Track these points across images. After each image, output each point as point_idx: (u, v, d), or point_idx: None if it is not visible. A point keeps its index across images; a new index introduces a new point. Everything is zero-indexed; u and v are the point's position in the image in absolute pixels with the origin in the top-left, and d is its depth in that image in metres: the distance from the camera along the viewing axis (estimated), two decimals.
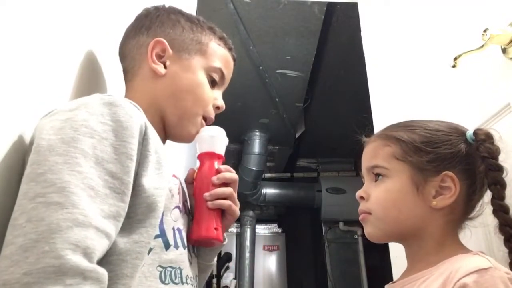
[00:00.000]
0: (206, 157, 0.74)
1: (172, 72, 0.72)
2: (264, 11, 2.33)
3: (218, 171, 0.72)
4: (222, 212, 0.72)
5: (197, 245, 0.73)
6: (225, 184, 0.72)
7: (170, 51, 0.72)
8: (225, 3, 2.25)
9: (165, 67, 0.72)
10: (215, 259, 0.79)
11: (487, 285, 0.52)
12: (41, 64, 0.60)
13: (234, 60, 0.81)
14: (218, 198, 0.70)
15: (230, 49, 0.79)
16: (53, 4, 0.64)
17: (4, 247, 0.44)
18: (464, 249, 0.65)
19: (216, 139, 0.75)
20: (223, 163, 0.75)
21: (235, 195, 0.73)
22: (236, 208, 0.72)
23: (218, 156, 0.74)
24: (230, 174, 0.73)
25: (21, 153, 0.54)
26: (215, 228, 0.69)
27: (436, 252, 0.64)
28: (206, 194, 0.70)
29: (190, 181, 0.75)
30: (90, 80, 0.77)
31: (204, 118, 0.75)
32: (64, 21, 0.68)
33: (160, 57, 0.72)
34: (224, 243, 0.73)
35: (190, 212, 0.74)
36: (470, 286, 0.52)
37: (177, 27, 0.75)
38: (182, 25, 0.75)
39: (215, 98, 0.76)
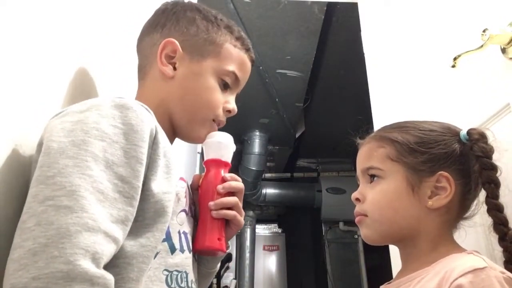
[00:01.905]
0: (212, 164, 0.72)
1: (181, 75, 0.70)
2: (264, 11, 2.33)
3: (224, 180, 0.70)
4: (226, 221, 0.70)
5: (199, 254, 0.72)
6: (230, 193, 0.70)
7: (181, 52, 0.70)
8: (225, 3, 2.25)
9: (175, 68, 0.70)
10: (218, 265, 0.78)
11: (483, 285, 0.52)
12: (43, 63, 0.60)
13: (253, 61, 0.77)
14: (223, 208, 0.68)
15: (247, 50, 0.75)
16: (54, 3, 0.64)
17: (12, 250, 0.43)
18: (458, 248, 0.65)
19: (223, 146, 0.72)
20: (230, 171, 0.73)
21: (241, 205, 0.71)
22: (241, 218, 0.71)
23: (224, 164, 0.72)
24: (236, 183, 0.71)
25: (28, 153, 0.54)
26: (219, 239, 0.67)
27: (430, 251, 0.64)
28: (211, 203, 0.68)
29: (195, 187, 0.73)
30: (90, 79, 0.77)
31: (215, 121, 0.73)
32: (64, 20, 0.68)
33: (170, 58, 0.70)
34: (227, 251, 0.71)
35: (195, 216, 0.73)
36: (466, 287, 0.52)
37: (192, 26, 0.72)
38: (197, 24, 0.72)
39: (226, 101, 0.73)
